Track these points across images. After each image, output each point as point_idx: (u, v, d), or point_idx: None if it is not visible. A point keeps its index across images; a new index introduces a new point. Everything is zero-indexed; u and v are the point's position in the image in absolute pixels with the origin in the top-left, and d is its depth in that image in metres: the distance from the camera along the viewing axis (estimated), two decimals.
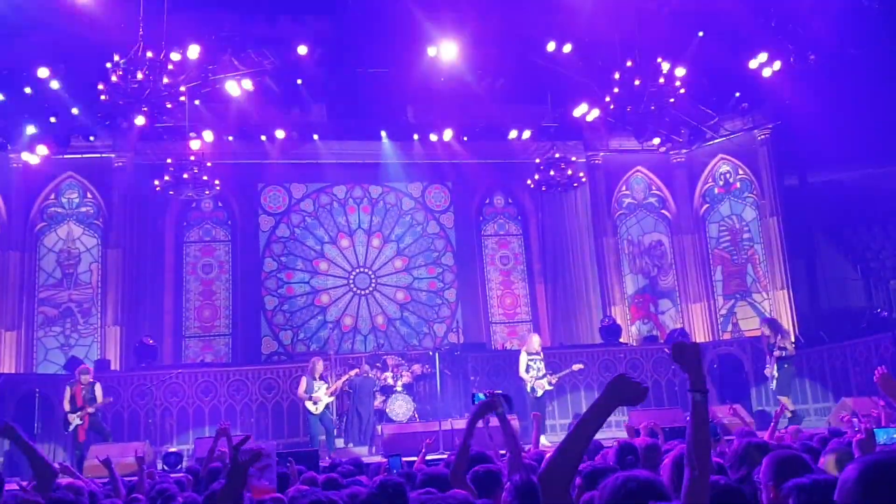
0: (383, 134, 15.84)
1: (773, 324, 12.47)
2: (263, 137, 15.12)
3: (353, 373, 12.61)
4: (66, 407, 11.40)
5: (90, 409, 11.39)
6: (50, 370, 14.08)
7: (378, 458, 11.18)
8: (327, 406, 11.85)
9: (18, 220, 14.67)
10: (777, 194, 15.66)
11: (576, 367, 12.60)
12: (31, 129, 13.50)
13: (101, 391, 11.62)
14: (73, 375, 11.99)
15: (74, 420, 11.32)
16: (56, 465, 4.62)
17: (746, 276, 16.14)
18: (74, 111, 13.09)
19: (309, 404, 11.73)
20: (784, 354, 11.76)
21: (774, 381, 11.85)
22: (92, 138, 14.17)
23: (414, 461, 7.46)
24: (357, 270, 16.76)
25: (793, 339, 12.46)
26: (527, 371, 12.20)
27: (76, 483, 5.61)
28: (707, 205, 16.77)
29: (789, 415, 11.23)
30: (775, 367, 11.77)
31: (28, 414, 12.10)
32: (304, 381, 11.94)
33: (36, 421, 12.00)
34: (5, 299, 14.31)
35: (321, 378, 11.94)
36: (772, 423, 7.31)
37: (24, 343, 14.39)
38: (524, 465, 4.87)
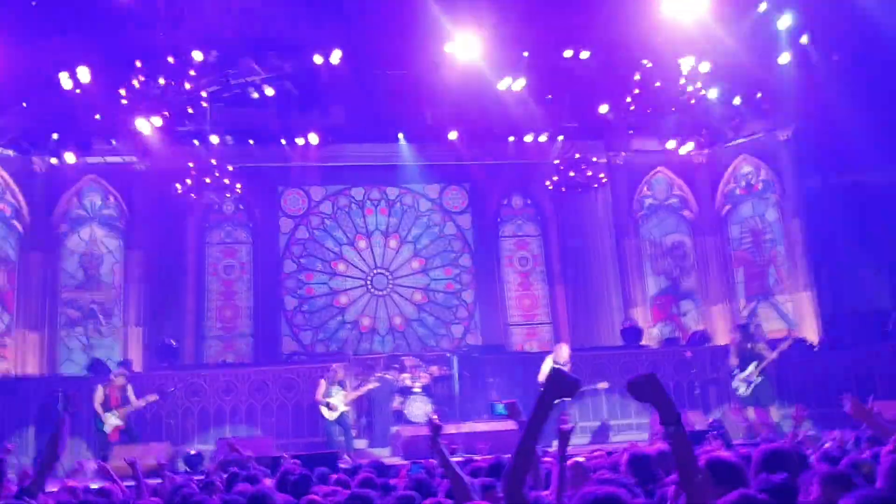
0: (401, 136, 15.85)
1: (745, 329, 12.03)
2: (283, 141, 15.18)
3: (371, 385, 12.63)
4: (98, 408, 11.50)
5: (140, 403, 11.50)
6: (72, 370, 14.23)
7: (398, 460, 11.25)
8: (344, 415, 11.88)
9: (41, 222, 14.84)
10: (799, 195, 15.51)
11: (601, 385, 12.52)
12: (54, 133, 13.66)
13: (133, 393, 11.76)
14: (97, 377, 12.11)
15: (111, 420, 11.39)
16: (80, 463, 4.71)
17: (768, 277, 16.00)
18: (97, 116, 13.22)
19: (324, 410, 11.76)
20: (762, 362, 11.22)
21: (750, 388, 11.26)
22: (114, 142, 14.29)
23: (433, 463, 7.49)
24: (375, 271, 16.80)
25: (766, 345, 11.86)
26: None
27: (106, 486, 5.66)
28: (729, 205, 16.64)
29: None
30: (756, 373, 11.21)
31: (51, 414, 12.26)
32: (322, 384, 11.95)
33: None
34: (29, 300, 14.50)
35: (339, 384, 11.96)
36: (791, 430, 6.81)
37: (47, 344, 14.57)
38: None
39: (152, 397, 11.91)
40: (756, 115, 15.62)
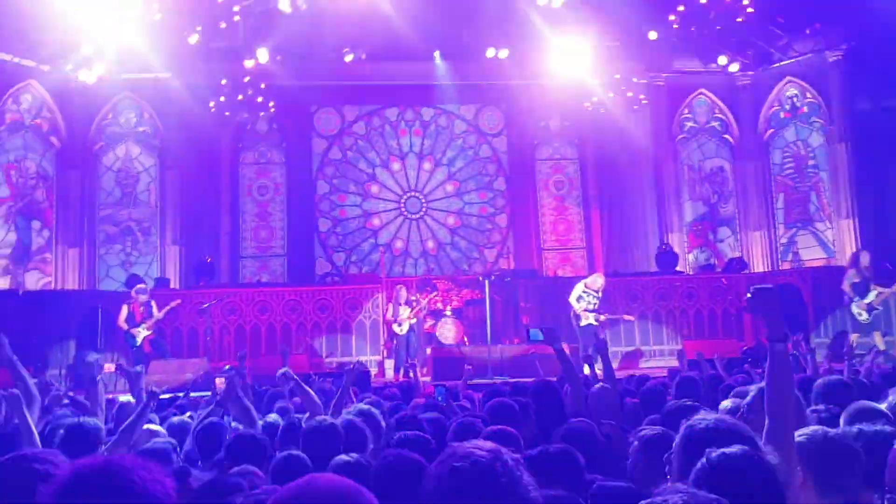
0: (436, 54, 15.48)
1: (860, 257, 11.80)
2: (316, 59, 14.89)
3: (433, 294, 13.32)
4: (123, 326, 11.77)
5: (159, 315, 11.79)
6: (112, 287, 14.51)
7: (427, 380, 11.38)
8: (412, 328, 12.55)
9: (77, 139, 14.89)
10: (847, 119, 14.97)
11: (627, 317, 12.45)
12: (88, 48, 13.53)
13: (156, 307, 11.97)
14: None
15: (142, 332, 11.71)
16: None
17: (809, 204, 15.62)
18: (131, 30, 13.04)
19: (395, 327, 12.51)
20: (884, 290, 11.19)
21: (871, 316, 11.19)
22: (148, 58, 14.14)
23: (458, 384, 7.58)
24: (408, 194, 16.71)
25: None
26: (577, 300, 11.99)
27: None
28: (772, 130, 16.13)
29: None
30: (878, 302, 11.11)
31: (92, 327, 12.59)
32: (390, 307, 12.73)
33: (99, 335, 12.49)
34: (67, 217, 14.68)
35: (406, 303, 12.60)
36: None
37: (86, 260, 14.82)
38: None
39: (174, 303, 12.18)
40: (804, 35, 14.98)
